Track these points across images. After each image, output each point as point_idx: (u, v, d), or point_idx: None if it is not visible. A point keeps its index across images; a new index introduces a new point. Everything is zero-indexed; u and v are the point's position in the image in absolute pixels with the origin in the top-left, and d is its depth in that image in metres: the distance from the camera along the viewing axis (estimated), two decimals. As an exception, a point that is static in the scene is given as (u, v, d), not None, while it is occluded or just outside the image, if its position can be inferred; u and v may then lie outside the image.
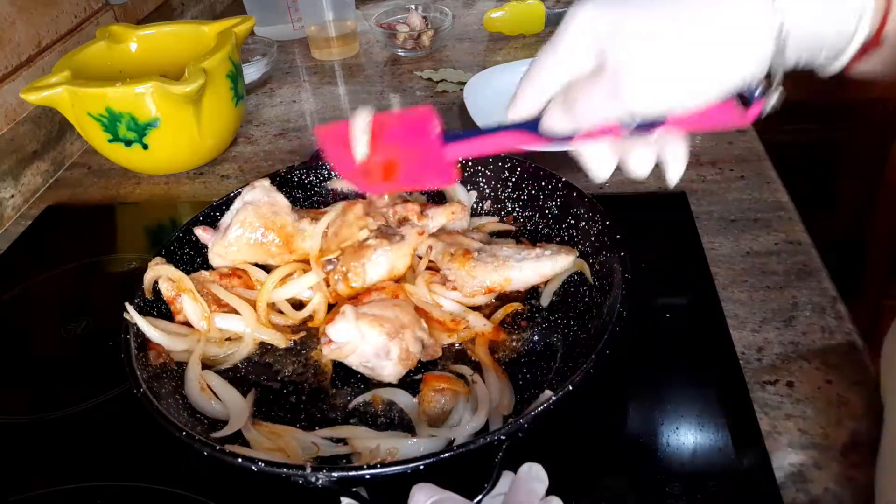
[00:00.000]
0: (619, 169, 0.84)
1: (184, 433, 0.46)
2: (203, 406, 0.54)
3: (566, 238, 0.65)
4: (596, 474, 0.50)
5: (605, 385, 0.56)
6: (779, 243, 0.68)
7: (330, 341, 0.55)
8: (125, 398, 0.60)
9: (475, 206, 0.72)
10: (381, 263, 0.61)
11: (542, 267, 0.59)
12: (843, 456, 0.49)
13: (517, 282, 0.60)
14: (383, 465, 0.43)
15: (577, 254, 0.60)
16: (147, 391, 0.50)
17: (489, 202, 0.71)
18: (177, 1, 1.28)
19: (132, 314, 0.56)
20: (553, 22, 1.18)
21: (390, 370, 0.55)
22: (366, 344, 0.54)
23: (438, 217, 0.65)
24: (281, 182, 0.71)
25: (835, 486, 0.48)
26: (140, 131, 0.83)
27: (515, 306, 0.61)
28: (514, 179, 0.69)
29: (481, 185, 0.72)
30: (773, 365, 0.56)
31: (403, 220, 0.65)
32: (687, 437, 0.51)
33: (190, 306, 0.59)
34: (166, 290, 0.60)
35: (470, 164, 0.71)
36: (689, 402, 0.54)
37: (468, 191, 0.72)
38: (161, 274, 0.60)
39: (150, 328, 0.56)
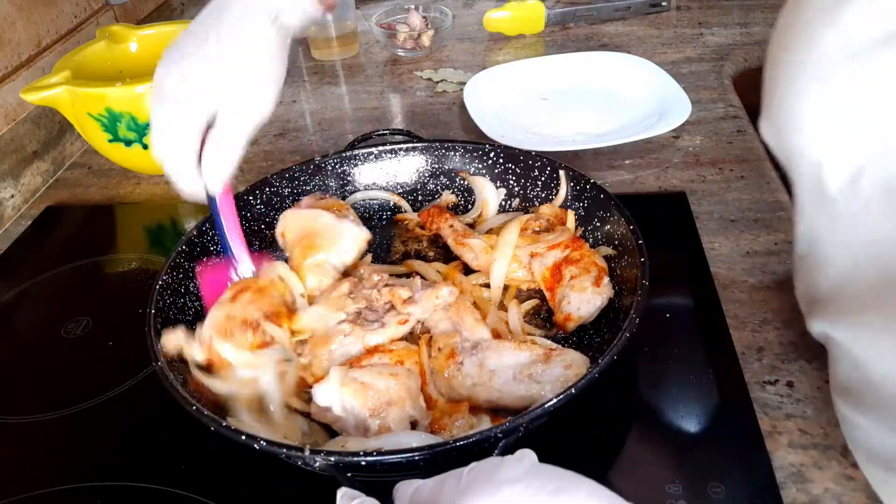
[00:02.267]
0: (619, 169, 0.85)
1: (194, 408, 0.47)
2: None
3: (590, 240, 0.64)
4: (595, 474, 0.50)
5: (605, 385, 0.56)
6: (779, 243, 0.68)
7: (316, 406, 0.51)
8: (125, 398, 0.60)
9: (503, 203, 0.72)
10: (345, 354, 0.55)
11: (528, 394, 0.51)
12: (843, 456, 0.49)
13: (494, 404, 0.52)
14: (381, 452, 0.43)
15: (585, 371, 0.51)
16: (164, 365, 0.50)
17: (518, 200, 0.72)
18: (177, 1, 1.28)
19: (195, 372, 0.54)
20: (553, 22, 1.18)
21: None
22: (347, 414, 0.50)
23: (426, 302, 0.57)
24: (314, 170, 0.73)
25: (835, 486, 0.48)
26: (140, 131, 0.83)
27: (534, 303, 0.62)
28: (543, 178, 0.70)
29: (510, 182, 0.72)
30: (773, 365, 0.56)
31: (389, 306, 0.58)
32: (687, 437, 0.51)
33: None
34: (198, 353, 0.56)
35: (500, 161, 0.72)
36: (690, 402, 0.54)
37: (497, 188, 0.72)
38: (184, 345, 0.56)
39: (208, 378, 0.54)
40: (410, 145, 0.75)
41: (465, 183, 0.74)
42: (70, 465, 0.56)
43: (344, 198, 0.74)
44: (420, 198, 0.75)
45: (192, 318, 0.59)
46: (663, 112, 0.87)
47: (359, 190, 0.75)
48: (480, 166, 0.73)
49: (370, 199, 0.74)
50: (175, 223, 0.83)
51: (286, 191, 0.71)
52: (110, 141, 0.84)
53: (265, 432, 0.50)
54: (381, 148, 0.74)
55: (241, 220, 0.67)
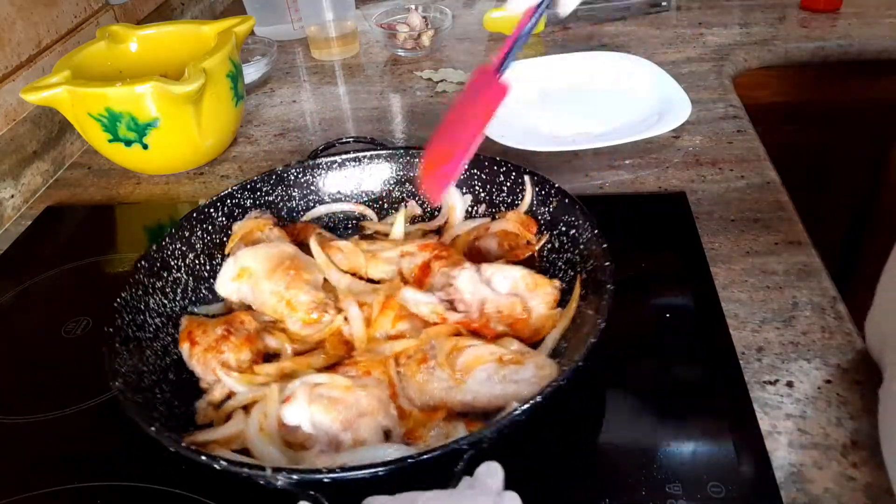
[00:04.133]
0: (619, 169, 0.85)
1: (152, 428, 0.46)
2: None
3: (556, 245, 0.64)
4: (596, 474, 0.50)
5: (605, 385, 0.56)
6: (779, 243, 0.68)
7: (283, 425, 0.50)
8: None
9: (470, 209, 0.72)
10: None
11: (503, 394, 0.51)
12: (843, 456, 0.49)
13: (468, 406, 0.52)
14: (343, 469, 0.42)
15: (555, 374, 0.51)
16: (123, 386, 0.50)
17: (484, 205, 0.71)
18: (177, 1, 1.28)
19: (223, 377, 0.55)
20: (553, 22, 1.18)
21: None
22: (318, 431, 0.50)
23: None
24: (277, 180, 0.72)
25: (835, 486, 0.48)
26: (140, 131, 0.83)
27: None
28: (508, 184, 0.69)
29: (476, 188, 0.72)
30: (773, 365, 0.56)
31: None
32: (687, 437, 0.51)
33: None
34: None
35: (465, 168, 0.71)
36: (689, 402, 0.54)
37: (463, 194, 0.72)
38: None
39: (235, 383, 0.55)
40: (374, 153, 0.74)
41: None
42: (70, 465, 0.55)
43: (308, 208, 0.73)
44: (386, 206, 0.74)
45: (153, 335, 0.58)
46: (663, 112, 0.87)
47: (323, 200, 0.74)
48: None
49: (334, 212, 0.74)
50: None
51: (248, 202, 0.70)
52: (110, 141, 0.84)
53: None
54: (344, 156, 0.73)
55: (203, 233, 0.66)
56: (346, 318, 0.58)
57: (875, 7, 1.15)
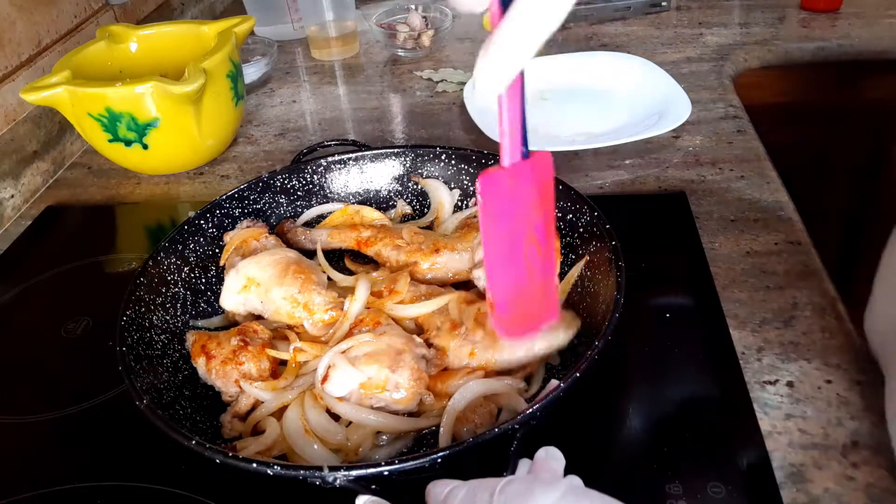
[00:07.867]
0: (619, 169, 0.85)
1: (194, 441, 0.45)
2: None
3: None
4: (595, 474, 0.50)
5: (605, 385, 0.56)
6: (779, 243, 0.68)
7: (339, 399, 0.51)
8: (125, 398, 0.60)
9: (460, 202, 0.72)
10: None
11: (535, 347, 0.53)
12: (843, 456, 0.49)
13: (504, 363, 0.54)
14: (401, 460, 0.42)
15: (579, 324, 0.55)
16: (149, 403, 0.49)
17: (474, 199, 0.72)
18: (177, 1, 1.28)
19: (248, 388, 0.54)
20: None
21: (403, 396, 0.51)
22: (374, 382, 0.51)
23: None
24: (263, 188, 0.71)
25: (835, 486, 0.48)
26: (140, 131, 0.83)
27: None
28: None
29: (465, 182, 0.72)
30: (773, 365, 0.56)
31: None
32: (687, 437, 0.51)
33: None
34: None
35: (452, 162, 0.72)
36: (690, 401, 0.54)
37: (451, 189, 0.72)
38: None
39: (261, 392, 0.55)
40: (359, 154, 0.74)
41: (420, 187, 0.74)
42: (70, 465, 0.55)
43: (297, 214, 0.73)
44: (373, 205, 0.74)
45: (161, 352, 0.58)
46: (663, 112, 0.87)
47: (311, 205, 0.74)
48: (433, 169, 0.73)
49: (323, 215, 0.74)
50: (175, 223, 0.83)
51: (237, 211, 0.70)
52: (110, 141, 0.84)
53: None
54: (329, 159, 0.73)
55: (195, 245, 0.66)
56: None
57: (875, 7, 1.15)
